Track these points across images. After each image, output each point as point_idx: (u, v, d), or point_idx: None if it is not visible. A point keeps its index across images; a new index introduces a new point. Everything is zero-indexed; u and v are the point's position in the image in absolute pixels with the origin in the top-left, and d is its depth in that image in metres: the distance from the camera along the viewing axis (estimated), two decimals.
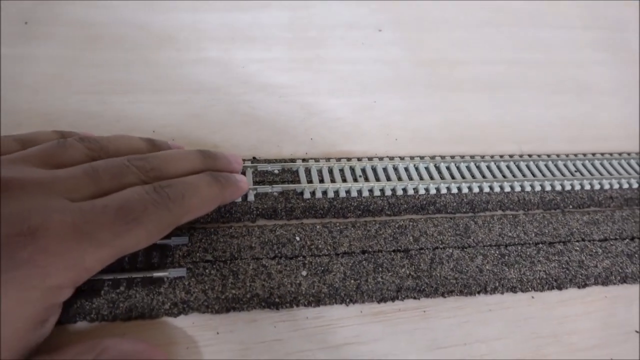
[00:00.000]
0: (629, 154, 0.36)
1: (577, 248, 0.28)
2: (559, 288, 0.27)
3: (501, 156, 0.34)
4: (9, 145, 0.23)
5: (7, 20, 0.41)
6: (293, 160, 0.31)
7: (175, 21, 0.44)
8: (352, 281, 0.24)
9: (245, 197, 0.28)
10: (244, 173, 0.29)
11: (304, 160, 0.31)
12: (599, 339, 0.24)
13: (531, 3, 0.55)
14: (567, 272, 0.27)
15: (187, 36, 0.43)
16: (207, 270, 0.24)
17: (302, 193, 0.29)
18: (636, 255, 0.28)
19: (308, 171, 0.30)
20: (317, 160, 0.31)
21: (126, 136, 0.26)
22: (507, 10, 0.53)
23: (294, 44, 0.44)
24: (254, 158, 0.31)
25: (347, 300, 0.24)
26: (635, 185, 0.33)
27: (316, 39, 0.45)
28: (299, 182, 0.29)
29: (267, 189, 0.28)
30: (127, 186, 0.21)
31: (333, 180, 0.30)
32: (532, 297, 0.26)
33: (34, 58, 0.37)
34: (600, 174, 0.33)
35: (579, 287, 0.27)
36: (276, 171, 0.30)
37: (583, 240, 0.29)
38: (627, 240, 0.29)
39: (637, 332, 0.25)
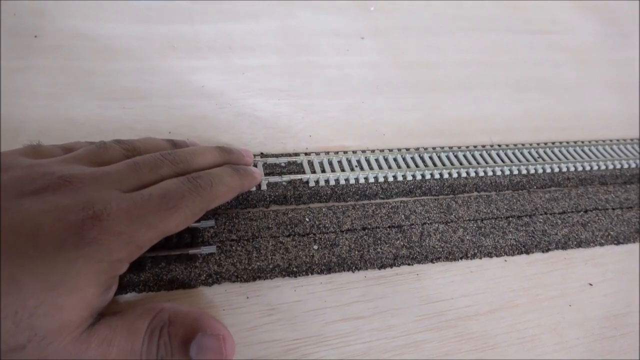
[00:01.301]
0: (582, 142, 0.42)
1: (541, 220, 0.33)
2: (527, 252, 0.32)
3: (475, 146, 0.39)
4: (53, 150, 0.26)
5: (18, 34, 0.44)
6: (297, 154, 0.35)
7: (175, 32, 0.48)
8: (356, 252, 0.29)
9: (259, 186, 0.32)
10: (256, 166, 0.33)
11: (306, 154, 0.35)
12: (559, 291, 0.30)
13: (497, 10, 0.61)
14: (533, 239, 0.32)
15: (187, 46, 0.47)
16: (233, 247, 0.28)
17: (307, 182, 0.33)
18: (589, 224, 0.34)
19: (311, 163, 0.34)
20: (317, 153, 0.35)
21: (151, 138, 0.30)
22: (476, 17, 0.59)
23: (286, 51, 0.48)
24: (262, 154, 0.35)
25: (353, 267, 0.29)
26: (588, 168, 0.39)
27: (306, 46, 0.49)
28: (304, 172, 0.34)
29: (277, 179, 0.33)
30: (163, 177, 0.25)
31: (333, 170, 0.34)
32: (505, 261, 0.31)
33: (46, 69, 0.40)
34: (559, 159, 0.39)
35: (543, 251, 0.32)
36: (283, 164, 0.34)
37: (545, 213, 0.34)
38: (582, 212, 0.35)
39: (590, 284, 0.30)
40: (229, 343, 0.21)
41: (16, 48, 0.42)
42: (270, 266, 0.27)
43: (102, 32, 0.47)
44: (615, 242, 0.34)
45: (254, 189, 0.32)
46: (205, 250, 0.27)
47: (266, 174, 0.33)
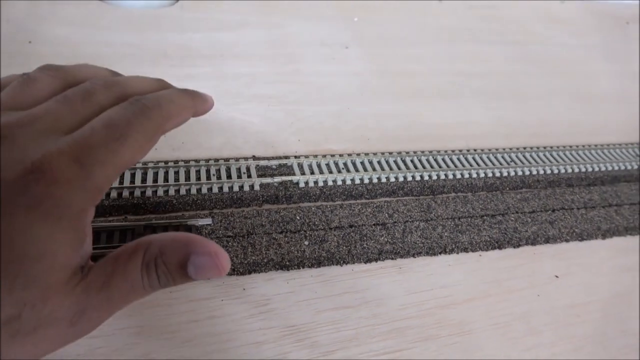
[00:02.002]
0: (551, 147, 0.45)
1: (513, 218, 0.36)
2: (499, 248, 0.35)
3: (453, 150, 0.42)
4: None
5: (12, 40, 0.45)
6: (287, 157, 0.37)
7: (167, 41, 0.50)
8: (344, 248, 0.31)
9: (252, 186, 0.34)
10: (248, 169, 0.35)
11: (295, 157, 0.38)
12: (528, 283, 0.32)
13: (472, 22, 0.64)
14: (505, 236, 0.35)
15: (179, 54, 0.49)
16: (230, 243, 0.30)
17: (297, 183, 0.35)
18: (556, 222, 0.37)
19: (300, 165, 0.37)
20: (306, 156, 0.38)
21: (89, 64, 0.25)
22: (453, 29, 0.62)
23: (275, 60, 0.51)
24: (254, 156, 0.37)
25: (341, 261, 0.31)
26: (556, 171, 0.42)
27: (293, 55, 0.52)
28: (294, 174, 0.36)
29: (269, 180, 0.35)
30: (101, 106, 0.21)
31: (321, 172, 0.36)
32: (480, 255, 0.34)
33: None
34: (529, 163, 0.42)
35: (514, 247, 0.35)
36: (274, 166, 0.36)
37: (517, 212, 0.37)
38: (550, 211, 0.38)
39: (556, 277, 0.33)
40: (222, 257, 0.21)
41: (10, 54, 0.44)
42: (265, 260, 0.29)
43: (96, 39, 0.48)
44: (580, 238, 0.37)
45: (237, 187, 0.33)
46: (202, 221, 0.29)
47: (258, 176, 0.35)
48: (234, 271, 0.29)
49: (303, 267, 0.30)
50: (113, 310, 0.20)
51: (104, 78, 0.23)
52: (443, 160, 0.40)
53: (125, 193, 0.32)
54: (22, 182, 0.17)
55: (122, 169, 0.20)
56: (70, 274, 0.19)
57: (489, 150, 0.42)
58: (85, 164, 0.19)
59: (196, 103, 0.25)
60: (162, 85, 0.25)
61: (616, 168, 0.43)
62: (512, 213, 0.37)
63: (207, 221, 0.31)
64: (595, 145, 0.46)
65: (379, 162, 0.39)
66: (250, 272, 0.29)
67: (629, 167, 0.44)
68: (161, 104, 0.22)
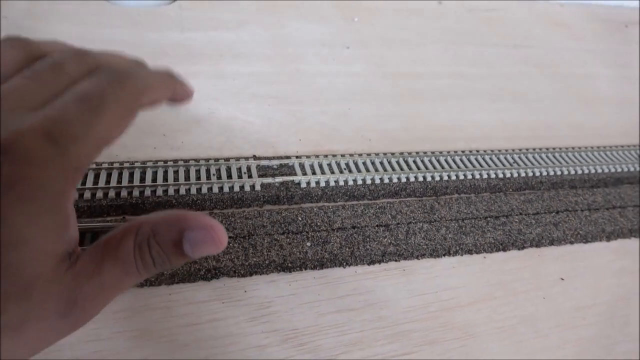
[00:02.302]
0: (554, 149, 0.45)
1: (517, 220, 0.36)
2: (504, 250, 0.34)
3: (455, 151, 0.41)
4: None
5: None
6: (288, 157, 0.37)
7: (166, 39, 0.49)
8: (347, 249, 0.31)
9: (253, 186, 0.33)
10: (249, 169, 0.35)
11: (297, 157, 0.37)
12: (533, 285, 0.32)
13: (474, 25, 0.64)
14: (509, 237, 0.34)
15: (178, 52, 0.48)
16: (230, 244, 0.29)
17: (299, 183, 0.35)
18: (560, 224, 0.36)
19: (302, 165, 0.36)
20: (308, 156, 0.37)
21: (59, 40, 0.23)
22: (455, 31, 0.62)
23: (275, 59, 0.50)
24: (254, 156, 0.37)
25: (344, 263, 0.30)
26: (559, 173, 0.42)
27: (294, 55, 0.51)
28: (295, 174, 0.35)
29: (270, 180, 0.34)
30: (72, 76, 0.20)
31: (323, 172, 0.36)
32: (484, 257, 0.33)
33: None
34: (532, 164, 0.42)
35: (518, 249, 0.34)
36: (275, 166, 0.36)
37: (521, 214, 0.37)
38: (554, 213, 0.37)
39: (562, 279, 0.33)
40: (218, 230, 0.19)
41: None
42: (266, 262, 0.29)
43: (94, 36, 0.48)
44: (584, 240, 0.36)
45: (237, 187, 0.33)
46: None
47: (259, 176, 0.35)
48: (235, 273, 0.28)
49: (305, 269, 0.30)
50: (108, 298, 0.19)
51: (74, 49, 0.21)
52: (446, 161, 0.40)
53: (124, 193, 0.31)
54: None
55: (100, 144, 0.18)
56: (56, 261, 0.17)
57: (492, 151, 0.42)
58: (60, 140, 0.17)
59: (175, 82, 0.23)
60: (139, 63, 0.23)
61: (619, 170, 0.43)
62: (516, 215, 0.36)
63: None
64: (598, 147, 0.46)
65: (381, 163, 0.38)
66: (251, 274, 0.29)
67: (632, 169, 0.44)
68: (137, 74, 0.20)
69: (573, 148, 0.45)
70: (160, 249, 0.19)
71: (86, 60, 0.20)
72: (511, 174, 0.40)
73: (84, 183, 0.32)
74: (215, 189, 0.33)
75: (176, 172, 0.34)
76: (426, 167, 0.39)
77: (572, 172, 0.42)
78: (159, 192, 0.32)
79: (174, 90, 0.23)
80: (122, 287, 0.19)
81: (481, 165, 0.40)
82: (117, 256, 0.19)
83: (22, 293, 0.16)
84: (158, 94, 0.22)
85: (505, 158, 0.42)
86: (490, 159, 0.41)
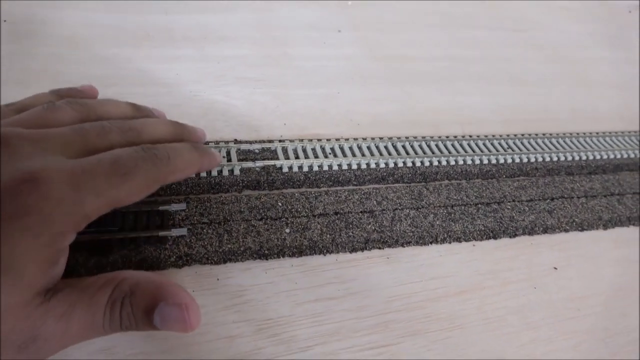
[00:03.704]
0: (550, 134, 0.43)
1: (509, 207, 0.34)
2: (495, 237, 0.32)
3: (447, 136, 0.40)
4: (6, 113, 0.23)
5: None
6: (271, 141, 0.35)
7: (149, 22, 0.48)
8: (328, 236, 0.29)
9: (231, 171, 0.32)
10: (228, 153, 0.33)
11: (280, 141, 0.35)
12: (525, 274, 0.30)
13: (469, 7, 0.62)
14: (500, 225, 0.33)
15: (162, 35, 0.46)
16: (204, 230, 0.28)
17: (280, 167, 0.33)
18: (555, 211, 0.35)
19: (285, 150, 0.35)
20: (291, 140, 0.36)
21: (113, 100, 0.27)
22: (450, 13, 0.60)
23: (262, 43, 0.48)
24: (235, 140, 0.35)
25: (325, 251, 0.29)
26: (555, 159, 0.40)
27: (282, 38, 0.50)
28: (277, 158, 0.34)
29: (250, 164, 0.33)
30: (112, 144, 0.22)
31: (307, 157, 0.34)
32: (474, 245, 0.32)
33: (16, 55, 0.39)
34: (528, 149, 0.40)
35: (510, 237, 0.33)
36: (256, 150, 0.34)
37: (513, 201, 0.35)
38: (548, 200, 0.36)
39: (555, 268, 0.31)
40: (192, 311, 0.20)
41: None
42: (242, 248, 0.27)
43: (75, 19, 0.46)
44: (580, 228, 0.35)
45: (215, 172, 0.31)
46: (175, 232, 0.27)
47: (239, 160, 0.33)
48: (208, 260, 0.27)
49: (283, 257, 0.28)
50: (66, 343, 0.19)
51: (122, 122, 0.24)
52: (437, 146, 0.38)
53: None
54: (15, 189, 0.18)
55: (114, 204, 0.20)
56: (32, 295, 0.18)
57: (485, 136, 0.40)
58: (81, 189, 0.19)
59: (203, 161, 0.26)
60: (178, 134, 0.27)
61: (619, 156, 0.41)
62: (509, 201, 0.35)
63: (181, 206, 0.28)
64: (597, 133, 0.44)
65: (368, 148, 0.36)
66: (225, 262, 0.27)
67: (632, 156, 0.42)
68: (170, 158, 0.23)
69: (571, 134, 0.43)
70: (131, 310, 0.20)
71: (130, 135, 0.23)
72: (505, 159, 0.38)
73: None
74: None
75: None
76: (416, 152, 0.37)
77: (569, 158, 0.40)
78: None
79: (200, 167, 0.26)
80: (84, 337, 0.19)
81: (473, 151, 0.38)
82: (90, 304, 0.19)
83: None
84: (183, 174, 0.25)
85: (500, 143, 0.40)
86: (484, 144, 0.39)
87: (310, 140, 0.36)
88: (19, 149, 0.19)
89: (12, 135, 0.20)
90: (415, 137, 0.38)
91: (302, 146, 0.35)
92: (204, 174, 0.31)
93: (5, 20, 0.43)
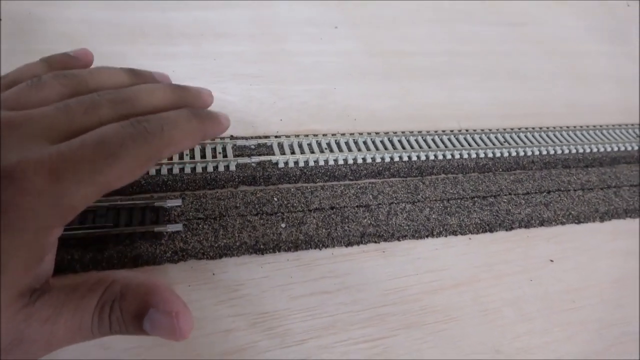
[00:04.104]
0: (547, 127, 0.43)
1: (505, 200, 0.34)
2: (491, 231, 0.32)
3: (443, 131, 0.40)
4: None
5: None
6: (267, 137, 0.35)
7: (145, 19, 0.48)
8: (324, 230, 0.29)
9: (227, 166, 0.32)
10: (224, 149, 0.33)
11: (276, 136, 0.36)
12: (521, 267, 0.30)
13: (467, 3, 0.62)
14: (497, 218, 0.33)
15: (158, 32, 0.46)
16: (200, 226, 0.28)
17: (276, 163, 0.33)
18: (551, 204, 0.35)
19: (280, 145, 0.35)
20: (287, 136, 0.36)
21: (108, 68, 0.24)
22: (447, 9, 0.60)
23: (259, 39, 0.48)
24: (231, 136, 0.35)
25: (320, 245, 0.29)
26: (552, 152, 0.40)
27: (279, 35, 0.50)
28: (273, 154, 0.34)
29: (246, 160, 0.33)
30: (102, 121, 0.20)
31: (302, 152, 0.34)
32: (470, 239, 0.32)
33: (13, 52, 0.39)
34: (524, 143, 0.40)
35: (506, 230, 0.33)
36: (252, 146, 0.34)
37: (510, 194, 0.35)
38: (545, 193, 0.36)
39: (551, 261, 0.31)
40: (183, 319, 0.19)
41: None
42: (237, 243, 0.27)
43: (70, 16, 0.46)
44: (576, 221, 0.35)
45: (211, 168, 0.31)
46: (171, 228, 0.27)
47: (235, 156, 0.33)
48: (204, 255, 0.27)
49: (279, 251, 0.28)
50: (53, 348, 0.18)
51: (115, 93, 0.21)
52: (433, 140, 0.38)
53: None
54: None
55: (104, 190, 0.19)
56: (15, 295, 0.17)
57: (482, 130, 0.40)
58: (63, 178, 0.17)
59: (206, 127, 0.23)
60: (180, 99, 0.24)
61: (615, 149, 0.41)
62: (505, 195, 0.35)
63: (177, 202, 0.29)
64: (594, 126, 0.44)
65: (364, 142, 0.36)
66: (221, 256, 0.27)
67: (629, 148, 0.42)
68: (163, 130, 0.20)
69: (568, 127, 0.43)
70: (120, 315, 0.19)
71: (122, 107, 0.21)
72: (501, 153, 0.38)
73: None
74: (188, 169, 0.31)
75: None
76: (412, 147, 0.37)
77: (566, 151, 0.40)
78: None
79: (203, 135, 0.23)
80: (71, 342, 0.18)
81: (470, 145, 0.38)
82: (78, 307, 0.18)
83: None
84: (181, 146, 0.22)
85: (496, 137, 0.40)
86: (480, 138, 0.39)
87: (307, 135, 0.36)
88: None
89: None
90: (411, 132, 0.38)
91: (298, 141, 0.35)
92: (199, 170, 0.31)
93: (0, 19, 0.43)
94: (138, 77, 0.25)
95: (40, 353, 0.18)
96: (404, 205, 0.32)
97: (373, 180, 0.35)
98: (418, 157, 0.36)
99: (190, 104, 0.24)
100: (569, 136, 0.42)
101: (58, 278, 0.20)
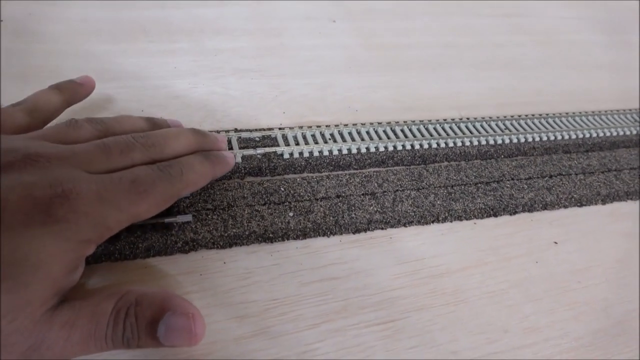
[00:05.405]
0: (547, 114, 0.43)
1: (508, 185, 0.35)
2: (495, 215, 0.33)
3: (445, 119, 0.40)
4: (14, 113, 0.26)
5: None
6: (271, 129, 0.36)
7: (145, 17, 0.48)
8: (331, 218, 0.30)
9: (234, 158, 0.32)
10: (229, 141, 0.34)
11: (280, 128, 0.36)
12: (525, 250, 0.31)
13: None
14: (500, 203, 0.33)
15: (158, 29, 0.47)
16: (209, 216, 0.28)
17: (281, 154, 0.33)
18: (553, 188, 0.35)
19: (285, 137, 0.35)
20: (291, 128, 0.36)
21: (129, 116, 0.29)
22: (442, 2, 0.60)
23: (258, 34, 0.49)
24: (235, 129, 0.36)
25: (328, 232, 0.29)
26: (552, 138, 0.40)
27: (278, 30, 0.50)
28: (278, 145, 0.34)
29: (251, 151, 0.33)
30: (134, 161, 0.24)
31: (307, 143, 0.35)
32: (474, 223, 0.32)
33: (16, 51, 0.40)
34: (525, 130, 0.40)
35: (510, 214, 0.33)
36: (257, 138, 0.35)
37: (512, 179, 0.35)
38: (547, 177, 0.36)
39: (555, 243, 0.32)
40: (199, 322, 0.21)
41: None
42: (247, 233, 0.28)
43: (71, 15, 0.46)
44: (579, 204, 0.35)
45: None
46: (181, 218, 0.27)
47: (241, 147, 0.33)
48: (214, 244, 0.27)
49: (287, 239, 0.29)
50: (67, 354, 0.19)
51: (145, 137, 0.25)
52: (435, 129, 0.38)
53: None
54: (47, 201, 0.19)
55: (134, 219, 0.23)
56: (51, 294, 0.19)
57: (483, 118, 0.41)
58: (105, 204, 0.21)
59: (215, 169, 0.28)
60: (200, 143, 0.29)
61: (614, 134, 0.42)
62: (508, 180, 0.35)
63: (187, 218, 0.28)
64: (593, 112, 0.44)
65: (367, 132, 0.37)
66: (231, 246, 0.28)
67: (628, 133, 0.42)
68: (183, 174, 0.25)
69: (567, 113, 0.44)
70: (135, 321, 0.20)
71: (152, 152, 0.25)
72: (502, 140, 0.39)
73: None
74: None
75: None
76: (414, 135, 0.37)
77: (566, 136, 0.40)
78: None
79: (213, 176, 0.28)
80: (85, 350, 0.20)
81: (471, 132, 0.39)
82: (94, 313, 0.20)
83: (9, 314, 0.18)
84: (197, 187, 0.27)
85: (497, 125, 0.40)
86: (481, 125, 0.40)
87: (310, 127, 0.36)
88: (49, 164, 0.21)
89: (43, 152, 0.21)
90: (413, 121, 0.39)
91: (302, 133, 0.36)
92: None
93: (1, 20, 0.44)
94: (155, 125, 0.30)
95: (54, 358, 0.19)
96: (409, 192, 0.33)
97: (377, 169, 0.35)
98: (421, 145, 0.36)
99: (208, 148, 0.29)
100: (569, 122, 0.42)
101: (73, 289, 0.21)
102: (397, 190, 0.32)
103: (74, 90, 0.31)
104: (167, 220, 0.27)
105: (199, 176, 0.26)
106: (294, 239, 0.29)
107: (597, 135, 0.41)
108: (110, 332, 0.19)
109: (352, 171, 0.34)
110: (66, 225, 0.19)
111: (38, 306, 0.18)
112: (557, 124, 0.42)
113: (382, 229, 0.30)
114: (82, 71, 0.38)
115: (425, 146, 0.36)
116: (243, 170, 0.32)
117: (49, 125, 0.27)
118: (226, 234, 0.27)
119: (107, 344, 0.19)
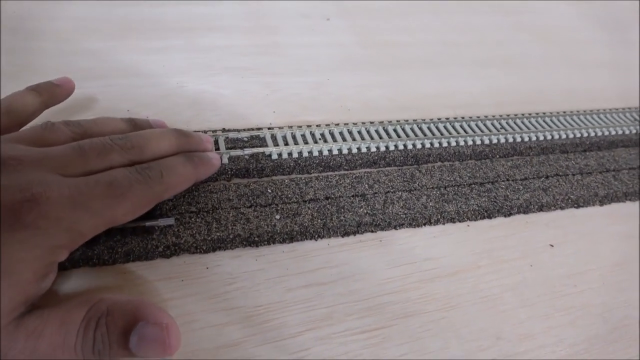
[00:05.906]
0: (544, 113, 0.42)
1: (503, 186, 0.34)
2: (489, 217, 0.32)
3: (439, 119, 0.39)
4: None
5: None
6: (260, 129, 0.35)
7: (136, 14, 0.47)
8: (319, 221, 0.29)
9: (219, 159, 0.31)
10: (216, 142, 0.33)
11: (269, 128, 0.35)
12: (520, 252, 0.30)
13: None
14: (495, 204, 0.32)
15: (149, 27, 0.46)
16: (192, 219, 0.27)
17: (270, 155, 0.33)
18: (550, 189, 0.34)
19: (274, 137, 0.34)
20: (281, 127, 0.35)
21: (108, 118, 0.28)
22: (443, 1, 0.59)
23: (251, 32, 0.48)
24: (223, 129, 0.35)
25: (316, 236, 0.28)
26: (550, 137, 0.39)
27: (272, 27, 0.49)
28: (266, 146, 0.33)
29: (239, 152, 0.32)
30: (112, 164, 0.23)
31: (296, 143, 0.34)
32: (468, 226, 0.31)
33: (3, 49, 0.39)
34: (521, 129, 0.39)
35: (505, 216, 0.32)
36: (245, 138, 0.34)
37: (508, 180, 0.34)
38: (543, 178, 0.35)
39: (551, 245, 0.31)
40: (173, 332, 0.20)
41: None
42: (231, 236, 0.27)
43: (61, 13, 0.45)
44: (576, 205, 0.34)
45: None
46: (162, 222, 0.26)
47: (228, 148, 0.33)
48: (197, 249, 0.26)
49: (274, 243, 0.28)
50: None
51: (124, 139, 0.24)
52: (429, 128, 0.38)
53: None
54: (17, 206, 0.19)
55: (110, 223, 0.22)
56: (18, 302, 0.18)
57: (478, 117, 0.40)
58: (78, 209, 0.20)
59: (198, 171, 0.27)
60: (182, 144, 0.27)
61: (613, 133, 0.41)
62: (503, 181, 0.34)
63: (169, 221, 0.27)
64: (591, 111, 0.43)
65: (359, 132, 0.36)
66: (214, 250, 0.27)
67: (627, 132, 0.41)
68: (163, 176, 0.24)
69: (564, 112, 0.43)
70: (106, 331, 0.19)
71: (131, 154, 0.24)
72: (498, 139, 0.38)
73: None
74: None
75: None
76: (407, 135, 0.36)
77: (564, 136, 0.39)
78: None
79: (196, 179, 0.27)
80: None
81: (466, 132, 0.38)
82: (63, 322, 0.19)
83: None
84: (178, 190, 0.26)
85: (492, 124, 0.39)
86: (476, 125, 0.39)
87: (300, 126, 0.35)
88: (21, 167, 0.20)
89: (15, 155, 0.21)
90: (406, 120, 0.38)
91: (292, 132, 0.35)
92: None
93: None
94: (136, 126, 0.29)
95: None
96: (400, 193, 0.32)
97: (368, 169, 0.34)
98: (414, 145, 0.35)
99: (193, 149, 0.28)
100: (567, 121, 0.41)
101: (44, 297, 0.20)
102: (388, 191, 0.32)
103: (52, 92, 0.30)
104: (148, 223, 0.26)
105: (181, 178, 0.25)
106: (280, 242, 0.28)
107: (596, 134, 0.40)
108: (80, 342, 0.19)
109: (342, 172, 0.33)
110: (35, 231, 0.19)
111: (5, 315, 0.18)
112: (554, 122, 0.41)
113: (372, 231, 0.30)
114: (70, 69, 0.38)
115: (419, 146, 0.36)
116: (230, 172, 0.31)
117: (25, 127, 0.27)
118: (210, 238, 0.27)
119: (77, 354, 0.19)
